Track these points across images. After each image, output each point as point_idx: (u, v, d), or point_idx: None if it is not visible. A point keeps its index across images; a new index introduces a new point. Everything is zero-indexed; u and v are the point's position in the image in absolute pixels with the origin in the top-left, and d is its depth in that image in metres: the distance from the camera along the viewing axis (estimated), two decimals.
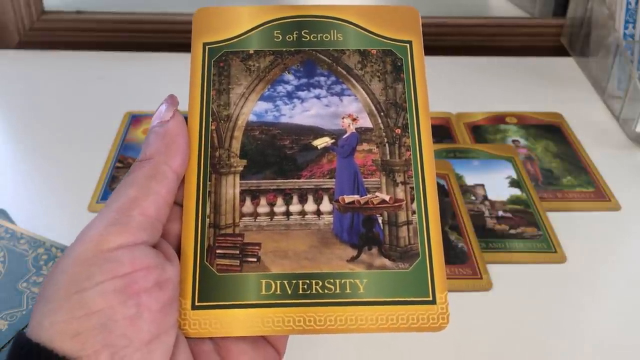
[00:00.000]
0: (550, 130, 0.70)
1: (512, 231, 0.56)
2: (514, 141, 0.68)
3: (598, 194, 0.61)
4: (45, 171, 0.63)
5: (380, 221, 0.33)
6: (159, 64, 0.78)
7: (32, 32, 0.83)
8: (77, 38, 0.83)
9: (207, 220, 0.32)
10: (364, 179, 0.33)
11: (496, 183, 0.61)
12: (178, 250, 0.31)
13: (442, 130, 0.69)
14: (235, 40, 0.35)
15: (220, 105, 0.34)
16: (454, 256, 0.53)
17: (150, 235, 0.29)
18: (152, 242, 0.29)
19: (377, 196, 0.33)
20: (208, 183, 0.32)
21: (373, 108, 0.35)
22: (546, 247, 0.55)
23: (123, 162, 0.64)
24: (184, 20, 0.82)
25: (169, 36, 0.82)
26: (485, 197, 0.60)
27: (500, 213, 0.58)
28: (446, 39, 0.84)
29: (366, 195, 0.33)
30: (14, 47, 0.82)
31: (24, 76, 0.77)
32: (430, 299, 0.31)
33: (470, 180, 0.61)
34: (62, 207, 0.58)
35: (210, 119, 0.34)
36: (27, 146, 0.66)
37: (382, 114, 0.34)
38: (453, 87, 0.76)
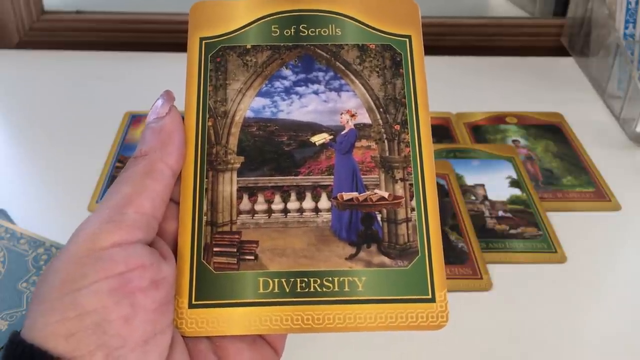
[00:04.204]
0: (551, 130, 0.70)
1: (512, 231, 0.56)
2: (514, 141, 0.68)
3: (598, 194, 0.61)
4: (45, 171, 0.63)
5: (379, 218, 0.32)
6: (159, 64, 0.78)
7: (32, 32, 0.83)
8: (77, 38, 0.83)
9: (204, 217, 0.32)
10: (362, 176, 0.33)
11: (496, 183, 0.61)
12: (174, 249, 0.31)
13: (442, 130, 0.69)
14: (232, 35, 0.35)
15: (217, 101, 0.34)
16: (454, 256, 0.53)
17: (145, 233, 0.28)
18: (148, 240, 0.29)
19: (376, 193, 0.33)
20: (205, 180, 0.32)
21: (372, 104, 0.34)
22: (546, 247, 0.55)
23: (123, 162, 0.64)
24: (184, 20, 0.82)
25: (169, 36, 0.82)
26: (485, 197, 0.60)
27: (501, 213, 0.58)
28: (446, 39, 0.84)
29: (365, 192, 0.33)
30: (14, 47, 0.82)
31: (24, 76, 0.77)
32: (430, 297, 0.31)
33: (470, 180, 0.61)
34: (62, 207, 0.58)
35: (207, 115, 0.33)
36: (27, 146, 0.66)
37: (381, 109, 0.34)
38: (453, 87, 0.76)
